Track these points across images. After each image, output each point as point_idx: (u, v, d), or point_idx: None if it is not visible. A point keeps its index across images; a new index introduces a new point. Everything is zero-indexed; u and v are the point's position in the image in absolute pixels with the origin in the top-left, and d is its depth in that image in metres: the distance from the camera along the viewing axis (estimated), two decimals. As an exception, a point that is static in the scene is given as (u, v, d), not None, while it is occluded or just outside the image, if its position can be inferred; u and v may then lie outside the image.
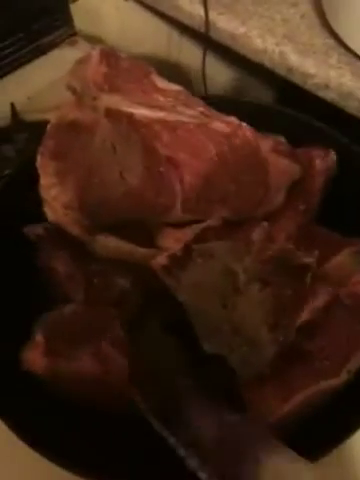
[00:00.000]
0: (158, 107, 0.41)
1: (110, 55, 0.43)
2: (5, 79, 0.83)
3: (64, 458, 0.36)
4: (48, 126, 0.42)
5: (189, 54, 0.85)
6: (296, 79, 0.63)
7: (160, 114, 0.41)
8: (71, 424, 0.40)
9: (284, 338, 0.41)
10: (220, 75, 0.84)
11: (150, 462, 0.37)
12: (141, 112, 0.40)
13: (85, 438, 0.39)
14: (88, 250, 0.43)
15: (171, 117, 0.41)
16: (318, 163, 0.45)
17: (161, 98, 0.43)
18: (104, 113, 0.41)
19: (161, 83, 0.44)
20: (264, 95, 0.85)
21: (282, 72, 0.65)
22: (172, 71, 0.46)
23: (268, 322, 0.41)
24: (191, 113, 0.42)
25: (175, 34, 0.87)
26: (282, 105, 0.56)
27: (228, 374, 0.40)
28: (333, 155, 0.46)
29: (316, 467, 0.34)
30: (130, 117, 0.40)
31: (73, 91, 0.42)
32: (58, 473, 0.36)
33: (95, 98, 0.41)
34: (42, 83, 0.79)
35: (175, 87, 0.44)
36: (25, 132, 0.70)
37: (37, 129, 0.67)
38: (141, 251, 0.42)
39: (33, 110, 0.74)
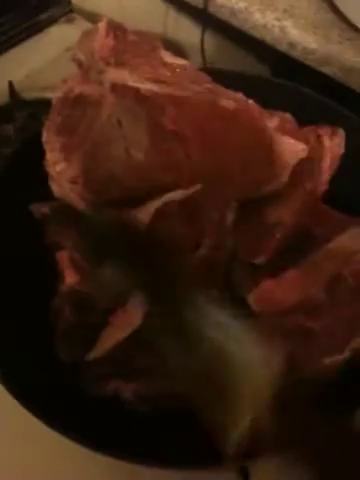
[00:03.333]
0: (165, 82, 0.41)
1: (117, 28, 0.42)
2: (2, 57, 0.81)
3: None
4: (53, 100, 0.42)
5: (186, 32, 0.84)
6: (297, 55, 0.63)
7: (167, 89, 0.40)
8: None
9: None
10: (216, 52, 0.83)
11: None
12: (147, 87, 0.40)
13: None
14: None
15: (178, 92, 0.40)
16: (326, 141, 0.45)
17: (168, 73, 0.42)
18: (110, 88, 0.40)
19: (168, 58, 0.44)
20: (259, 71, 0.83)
21: (283, 48, 0.64)
22: (169, 49, 0.45)
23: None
24: (198, 89, 0.42)
25: (172, 11, 0.85)
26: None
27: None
28: (341, 133, 0.46)
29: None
30: (136, 92, 0.39)
31: (79, 64, 0.42)
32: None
33: (101, 72, 0.40)
34: (40, 61, 0.79)
35: (182, 62, 0.44)
36: (24, 110, 0.69)
37: (36, 107, 0.67)
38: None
39: (31, 88, 0.73)
